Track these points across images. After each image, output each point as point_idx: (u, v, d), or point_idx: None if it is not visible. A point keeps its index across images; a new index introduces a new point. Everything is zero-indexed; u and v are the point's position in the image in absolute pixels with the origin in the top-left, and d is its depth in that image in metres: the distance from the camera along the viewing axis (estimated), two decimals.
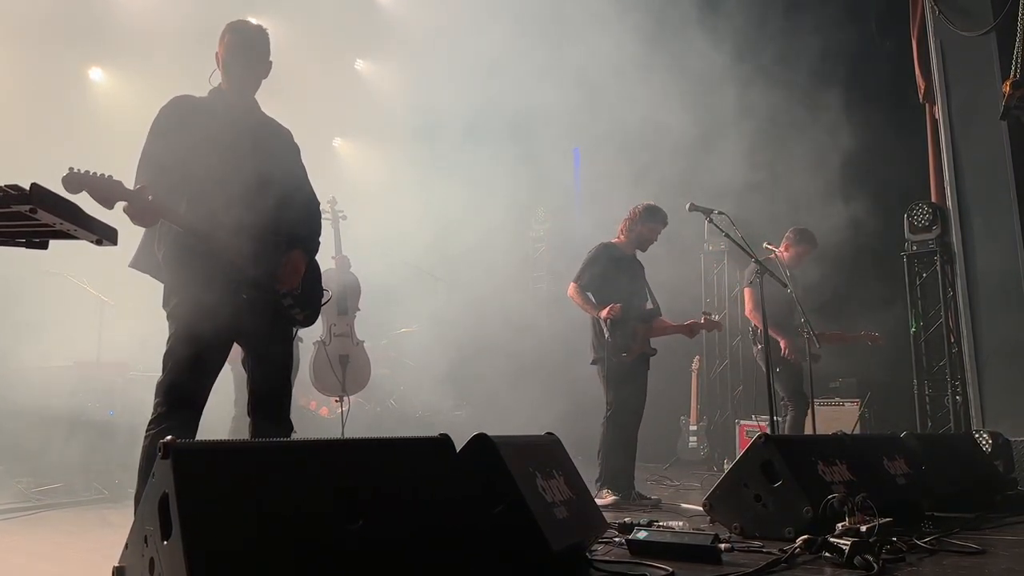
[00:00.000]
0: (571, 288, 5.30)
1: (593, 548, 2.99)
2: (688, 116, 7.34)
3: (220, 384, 3.05)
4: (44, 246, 1.72)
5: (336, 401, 5.52)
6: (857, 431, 6.99)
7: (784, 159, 7.57)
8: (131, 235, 2.78)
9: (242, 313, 2.87)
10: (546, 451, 2.96)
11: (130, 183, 2.72)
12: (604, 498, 4.88)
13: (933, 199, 7.38)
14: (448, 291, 7.94)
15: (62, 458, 5.13)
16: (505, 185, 8.05)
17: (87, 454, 5.23)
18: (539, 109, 8.12)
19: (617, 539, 3.24)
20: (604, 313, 5.03)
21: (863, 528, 2.88)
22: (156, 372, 2.83)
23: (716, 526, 3.49)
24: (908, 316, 7.50)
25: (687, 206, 4.99)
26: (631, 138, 7.82)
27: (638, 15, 7.23)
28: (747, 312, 5.96)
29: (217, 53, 3.11)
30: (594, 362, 5.27)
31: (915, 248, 7.47)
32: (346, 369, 5.48)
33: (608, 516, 3.54)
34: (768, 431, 4.63)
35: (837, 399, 7.55)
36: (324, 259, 3.47)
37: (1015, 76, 5.41)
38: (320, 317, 3.91)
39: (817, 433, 5.63)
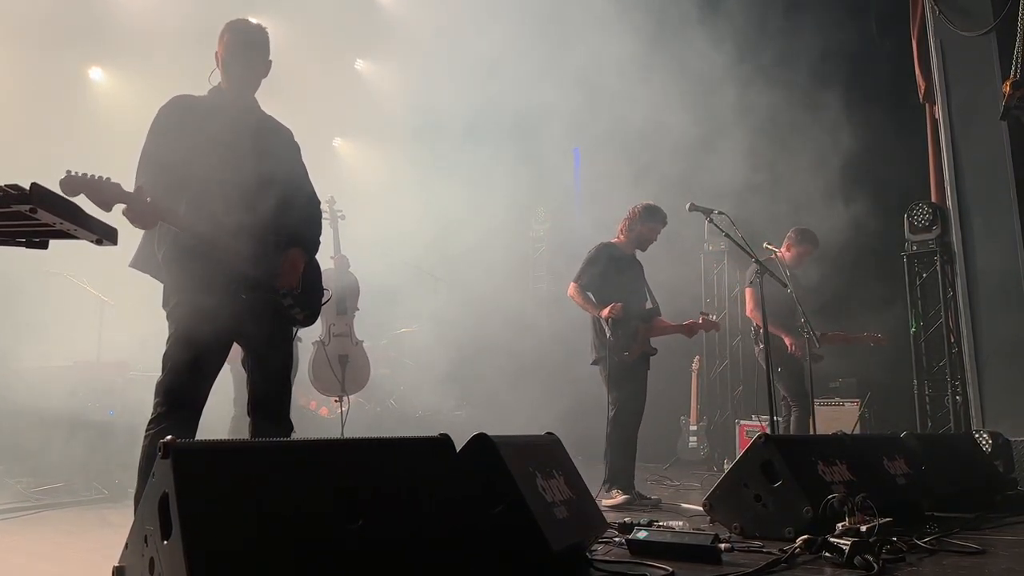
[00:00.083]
0: (571, 288, 5.30)
1: (593, 548, 2.99)
2: (688, 116, 7.33)
3: (220, 384, 3.05)
4: (44, 246, 1.72)
5: (336, 401, 5.52)
6: (857, 431, 7.00)
7: (784, 159, 7.56)
8: (131, 235, 2.77)
9: (242, 313, 2.86)
10: (546, 451, 2.96)
11: (130, 183, 2.71)
12: (615, 498, 4.88)
13: (933, 199, 7.37)
14: (448, 291, 7.93)
15: (62, 458, 5.13)
16: (505, 185, 8.05)
17: (87, 454, 5.22)
18: (539, 109, 8.11)
19: (617, 539, 3.24)
20: (605, 312, 5.03)
21: (863, 528, 2.88)
22: (156, 372, 2.83)
23: (716, 526, 3.49)
24: (908, 316, 7.49)
25: (687, 206, 4.99)
26: (631, 138, 7.81)
27: (638, 15, 7.22)
28: (748, 312, 5.96)
29: (217, 52, 3.10)
30: (595, 362, 5.27)
31: (915, 248, 7.46)
32: (345, 369, 5.49)
33: (608, 516, 3.54)
34: (768, 431, 4.63)
35: (837, 399, 7.55)
36: (323, 259, 3.47)
37: (1015, 76, 5.40)
38: (319, 317, 3.91)
39: (817, 433, 5.64)
